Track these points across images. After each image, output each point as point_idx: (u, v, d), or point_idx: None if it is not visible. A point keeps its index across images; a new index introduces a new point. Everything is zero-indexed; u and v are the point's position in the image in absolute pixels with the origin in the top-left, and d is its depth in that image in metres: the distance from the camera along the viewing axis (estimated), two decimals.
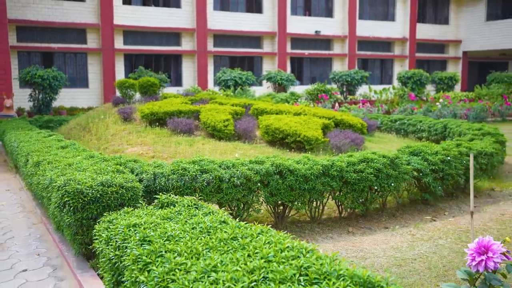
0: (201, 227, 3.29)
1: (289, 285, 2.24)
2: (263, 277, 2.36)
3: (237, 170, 5.87)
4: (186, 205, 4.05)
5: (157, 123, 11.83)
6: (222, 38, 27.95)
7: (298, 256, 2.57)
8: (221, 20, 27.63)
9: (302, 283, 2.28)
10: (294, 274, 2.34)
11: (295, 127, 10.12)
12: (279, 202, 6.27)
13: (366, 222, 6.83)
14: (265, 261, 2.52)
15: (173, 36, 26.72)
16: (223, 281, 2.34)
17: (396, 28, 33.54)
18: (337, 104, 22.91)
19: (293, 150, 10.14)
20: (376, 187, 6.53)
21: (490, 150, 8.31)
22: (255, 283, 2.30)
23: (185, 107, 12.18)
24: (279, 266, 2.42)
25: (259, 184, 5.95)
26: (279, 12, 28.74)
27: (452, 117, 21.15)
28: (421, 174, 7.14)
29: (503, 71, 34.42)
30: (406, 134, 14.71)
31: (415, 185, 7.54)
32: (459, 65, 36.34)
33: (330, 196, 6.68)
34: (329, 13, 31.43)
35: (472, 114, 22.12)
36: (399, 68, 33.82)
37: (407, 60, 33.88)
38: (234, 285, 2.29)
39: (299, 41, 30.32)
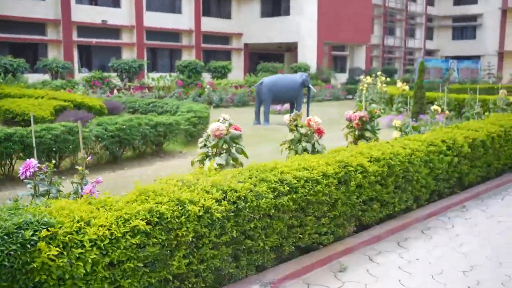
0: None
1: None
2: None
3: None
4: None
5: None
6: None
7: None
8: None
9: None
10: None
11: (24, 108, 11.79)
12: None
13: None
14: None
15: None
16: None
17: (183, 20, 36.43)
18: (115, 91, 24.74)
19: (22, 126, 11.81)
20: (54, 149, 8.64)
21: (171, 121, 11.05)
22: None
23: None
24: None
25: None
26: (62, 1, 29.42)
27: (219, 101, 24.59)
28: (100, 139, 9.46)
29: (279, 62, 39.60)
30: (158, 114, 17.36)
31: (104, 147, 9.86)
32: (241, 56, 40.79)
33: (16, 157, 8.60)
34: (116, 3, 32.95)
35: (237, 98, 25.81)
36: (187, 57, 36.84)
37: (194, 50, 37.10)
38: None
39: (86, 29, 31.34)
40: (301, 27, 36.29)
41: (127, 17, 33.18)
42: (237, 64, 40.65)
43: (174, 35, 36.43)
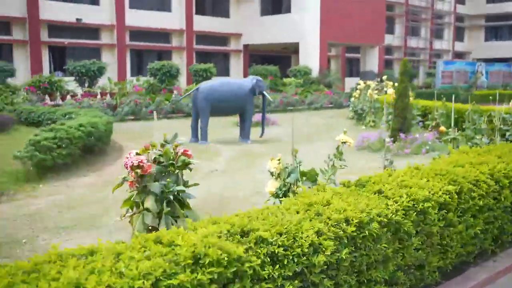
0: None
1: None
2: None
3: None
4: None
5: None
6: None
7: None
8: None
9: None
10: None
11: None
12: None
13: None
14: None
15: None
16: None
17: (173, 19, 33.06)
18: (69, 97, 21.54)
19: None
20: None
21: None
22: None
23: None
24: None
25: None
26: None
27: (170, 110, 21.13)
28: None
29: (284, 64, 35.72)
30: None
31: None
32: (240, 58, 37.11)
33: None
34: (93, 0, 29.87)
35: None
36: (178, 60, 33.44)
37: (185, 52, 33.67)
38: None
39: (59, 28, 28.36)
40: (302, 26, 32.32)
41: (107, 15, 30.03)
42: (236, 67, 37.01)
43: (163, 35, 33.09)
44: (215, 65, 28.91)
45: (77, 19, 28.66)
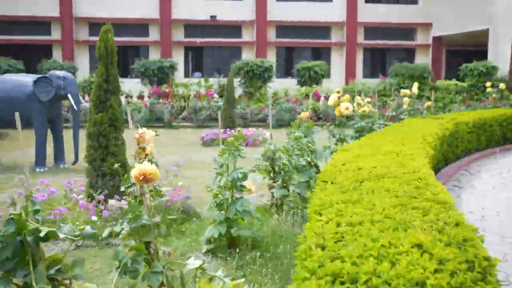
0: None
1: None
2: None
3: None
4: None
5: None
6: None
7: None
8: None
9: None
10: None
11: None
12: None
13: None
14: None
15: None
16: None
17: (332, 10, 27.74)
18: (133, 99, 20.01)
19: None
20: None
21: None
22: None
23: None
24: None
25: None
26: None
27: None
28: None
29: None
30: None
31: None
32: (429, 54, 28.57)
33: None
34: None
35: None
36: (338, 58, 28.01)
37: (345, 48, 27.87)
38: None
39: (193, 28, 27.16)
40: (493, 8, 22.45)
41: (248, 11, 27.21)
42: None
43: (318, 29, 28.07)
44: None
45: (211, 17, 26.86)
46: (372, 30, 28.15)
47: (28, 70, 20.95)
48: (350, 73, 27.06)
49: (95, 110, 5.80)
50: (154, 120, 17.80)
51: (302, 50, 28.26)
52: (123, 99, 19.72)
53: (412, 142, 6.11)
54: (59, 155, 9.60)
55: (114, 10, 25.34)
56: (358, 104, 10.71)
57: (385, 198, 2.83)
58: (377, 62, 28.95)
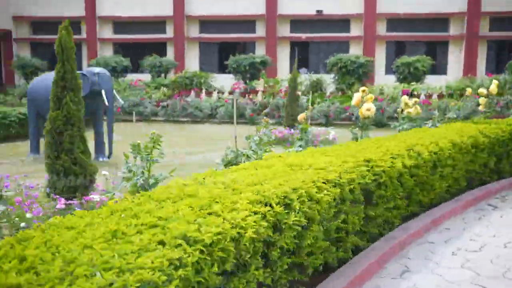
0: None
1: None
2: None
3: None
4: None
5: None
6: None
7: None
8: None
9: None
10: None
11: None
12: None
13: None
14: None
15: None
16: None
17: None
18: (214, 93, 20.47)
19: None
20: None
21: None
22: None
23: None
24: None
25: None
26: None
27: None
28: None
29: None
30: None
31: None
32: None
33: None
34: None
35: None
36: (456, 54, 25.58)
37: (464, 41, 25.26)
38: None
39: (299, 23, 26.73)
40: None
41: (356, 4, 25.98)
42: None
43: (433, 22, 25.76)
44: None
45: (317, 11, 26.16)
46: (500, 20, 25.13)
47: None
48: (469, 69, 24.51)
49: (53, 107, 5.87)
50: (238, 117, 17.86)
51: (414, 44, 26.24)
52: (215, 94, 20.19)
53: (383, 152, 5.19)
54: (99, 149, 10.03)
55: (222, 8, 25.94)
56: (405, 105, 9.65)
57: None
58: (503, 56, 25.80)
